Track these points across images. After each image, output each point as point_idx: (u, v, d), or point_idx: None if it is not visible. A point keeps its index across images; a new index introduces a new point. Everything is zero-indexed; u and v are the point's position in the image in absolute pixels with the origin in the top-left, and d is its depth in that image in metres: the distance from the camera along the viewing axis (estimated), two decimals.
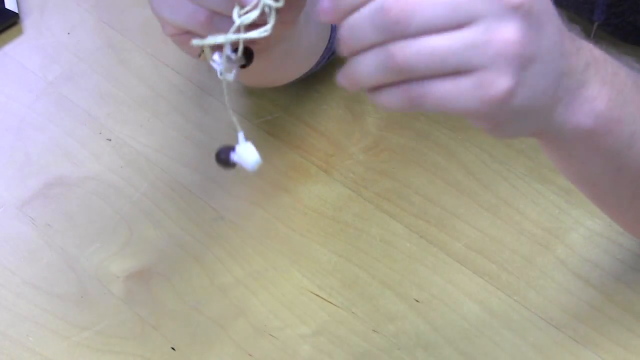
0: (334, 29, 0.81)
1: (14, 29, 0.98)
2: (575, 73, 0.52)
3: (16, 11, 0.98)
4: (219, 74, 0.57)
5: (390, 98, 0.49)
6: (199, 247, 0.81)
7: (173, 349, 0.75)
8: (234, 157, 0.57)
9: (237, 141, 0.57)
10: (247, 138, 0.88)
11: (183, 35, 0.60)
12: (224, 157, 0.58)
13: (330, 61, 0.88)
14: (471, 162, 0.83)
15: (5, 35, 0.98)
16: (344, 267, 0.78)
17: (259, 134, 0.87)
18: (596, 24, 0.76)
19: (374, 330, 0.75)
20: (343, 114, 0.88)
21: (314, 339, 0.75)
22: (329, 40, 0.82)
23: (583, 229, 0.78)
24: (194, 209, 0.83)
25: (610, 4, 0.79)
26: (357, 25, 0.48)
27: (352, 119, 0.87)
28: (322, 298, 0.77)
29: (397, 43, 0.47)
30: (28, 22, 0.99)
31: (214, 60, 0.56)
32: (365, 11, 0.48)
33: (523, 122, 0.51)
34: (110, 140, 0.89)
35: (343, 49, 0.50)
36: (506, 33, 0.46)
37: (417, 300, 0.76)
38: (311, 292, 0.77)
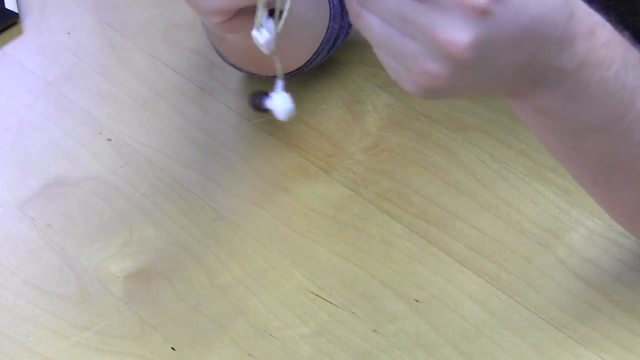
0: (333, 18, 0.81)
1: (14, 29, 0.98)
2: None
3: (16, 11, 0.98)
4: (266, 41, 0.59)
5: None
6: (199, 247, 0.81)
7: (173, 349, 0.75)
8: (268, 103, 0.61)
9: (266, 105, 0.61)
10: (247, 138, 0.89)
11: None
12: (258, 102, 0.60)
13: (330, 59, 0.89)
14: (471, 162, 0.83)
15: (5, 35, 0.98)
16: (344, 267, 0.78)
17: (259, 134, 0.88)
18: None
19: (374, 330, 0.75)
20: (343, 114, 0.88)
21: (314, 339, 0.75)
22: (327, 29, 0.81)
23: (583, 229, 0.78)
24: (194, 209, 0.83)
25: (608, 6, 0.79)
26: None
27: (352, 119, 0.87)
28: (322, 298, 0.77)
29: None
30: (28, 22, 0.99)
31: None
32: None
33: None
34: (110, 140, 0.89)
35: None
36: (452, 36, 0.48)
37: (417, 300, 0.76)
38: (311, 292, 0.77)
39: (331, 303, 0.77)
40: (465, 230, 0.79)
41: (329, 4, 0.81)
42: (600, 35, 0.55)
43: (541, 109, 0.56)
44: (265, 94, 0.61)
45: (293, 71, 0.84)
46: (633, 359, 0.72)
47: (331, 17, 0.81)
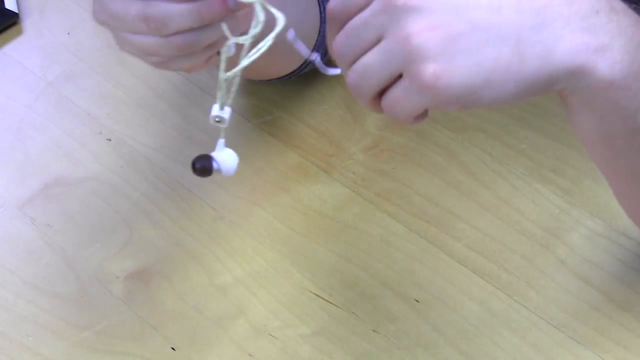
0: (324, 21, 0.81)
1: (14, 29, 0.98)
2: (570, 21, 0.51)
3: (16, 11, 0.98)
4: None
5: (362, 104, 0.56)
6: (198, 247, 0.81)
7: (173, 349, 0.75)
8: (215, 164, 0.62)
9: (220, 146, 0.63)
10: (247, 138, 0.89)
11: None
12: (204, 166, 0.60)
13: (330, 59, 0.88)
14: (471, 162, 0.83)
15: (5, 35, 0.98)
16: (344, 267, 0.78)
17: (259, 134, 0.88)
18: None
19: (374, 330, 0.75)
20: (343, 114, 0.88)
21: (314, 339, 0.75)
22: (319, 32, 0.81)
23: (583, 229, 0.79)
24: (194, 209, 0.83)
25: None
26: None
27: (352, 119, 0.87)
28: (322, 298, 0.77)
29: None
30: (28, 22, 0.99)
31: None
32: None
33: (495, 89, 0.51)
34: (110, 140, 0.89)
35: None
36: (402, 31, 0.50)
37: (417, 300, 0.76)
38: (311, 292, 0.77)
39: (331, 303, 0.77)
40: (465, 230, 0.79)
41: (319, 7, 0.81)
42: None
43: (606, 74, 0.53)
44: (208, 156, 0.61)
45: (287, 75, 0.84)
46: (633, 359, 0.72)
47: (322, 19, 0.81)
